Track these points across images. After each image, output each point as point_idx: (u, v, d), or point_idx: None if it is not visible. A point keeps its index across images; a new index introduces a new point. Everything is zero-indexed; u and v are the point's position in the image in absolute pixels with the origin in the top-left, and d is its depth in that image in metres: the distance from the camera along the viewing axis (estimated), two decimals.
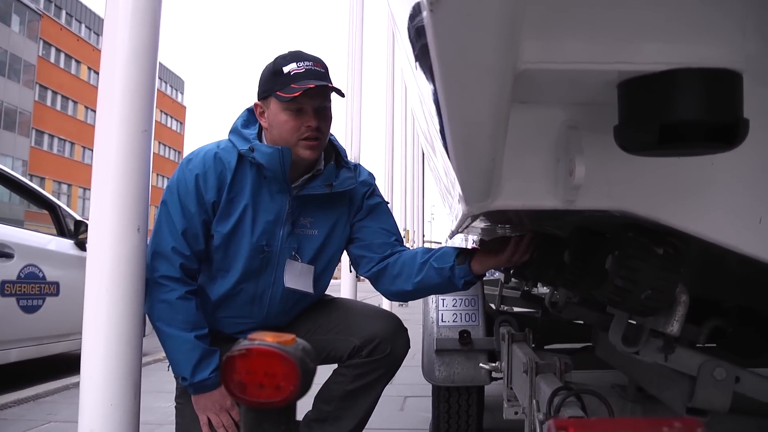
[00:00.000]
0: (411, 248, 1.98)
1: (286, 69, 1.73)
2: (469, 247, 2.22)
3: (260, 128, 1.84)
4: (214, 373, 1.77)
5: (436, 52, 0.63)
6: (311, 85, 1.67)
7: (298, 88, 1.67)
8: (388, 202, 2.06)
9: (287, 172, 1.76)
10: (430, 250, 1.88)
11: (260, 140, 1.81)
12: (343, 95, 1.78)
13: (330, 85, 1.71)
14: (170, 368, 1.93)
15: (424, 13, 0.59)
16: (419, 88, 1.07)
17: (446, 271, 1.76)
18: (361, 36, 7.56)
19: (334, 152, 1.90)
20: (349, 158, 1.96)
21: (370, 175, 2.06)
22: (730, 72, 0.72)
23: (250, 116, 1.87)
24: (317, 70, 1.73)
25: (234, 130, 1.84)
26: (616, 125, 0.78)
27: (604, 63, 0.73)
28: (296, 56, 1.76)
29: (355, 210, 1.95)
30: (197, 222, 1.77)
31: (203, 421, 1.80)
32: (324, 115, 1.76)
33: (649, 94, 0.73)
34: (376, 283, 1.95)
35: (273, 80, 1.75)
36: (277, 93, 1.72)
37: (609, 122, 0.81)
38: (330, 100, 1.78)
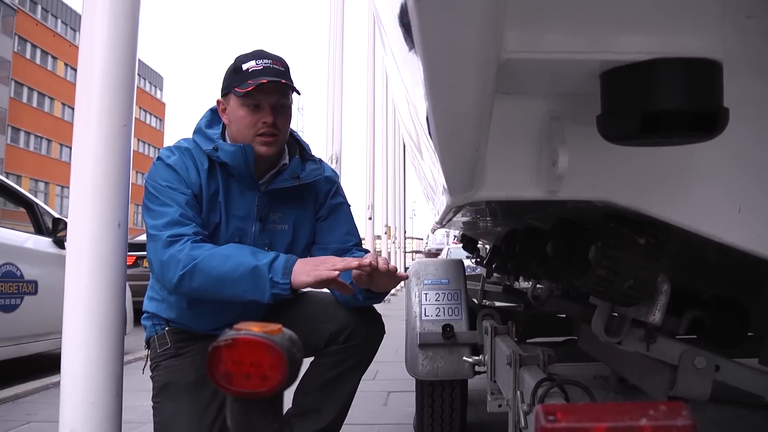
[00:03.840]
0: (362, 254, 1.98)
1: (245, 66, 1.76)
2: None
3: (224, 127, 1.85)
4: (277, 254, 1.67)
5: (421, 42, 0.63)
6: (264, 80, 1.70)
7: (253, 83, 1.70)
8: (350, 204, 2.07)
9: (252, 168, 1.77)
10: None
11: (224, 139, 1.83)
12: (299, 93, 1.80)
13: (283, 81, 1.73)
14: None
15: (410, 3, 0.59)
16: (403, 80, 1.07)
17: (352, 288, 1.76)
18: (342, 33, 7.55)
19: (298, 147, 1.93)
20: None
21: (334, 172, 2.09)
22: (709, 61, 0.73)
23: (214, 116, 1.90)
24: (275, 68, 1.75)
25: (198, 131, 1.85)
26: (599, 115, 0.78)
27: (587, 53, 0.74)
28: (257, 54, 1.79)
29: (318, 206, 1.97)
30: (193, 198, 1.75)
31: (321, 277, 1.60)
32: (281, 112, 1.78)
33: (630, 83, 0.74)
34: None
35: (232, 77, 1.78)
36: (235, 89, 1.74)
37: (591, 113, 0.81)
38: (289, 98, 1.80)
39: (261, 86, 1.70)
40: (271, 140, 1.76)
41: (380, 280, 1.72)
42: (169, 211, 1.70)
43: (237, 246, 1.71)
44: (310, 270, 1.62)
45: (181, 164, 1.77)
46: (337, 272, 1.61)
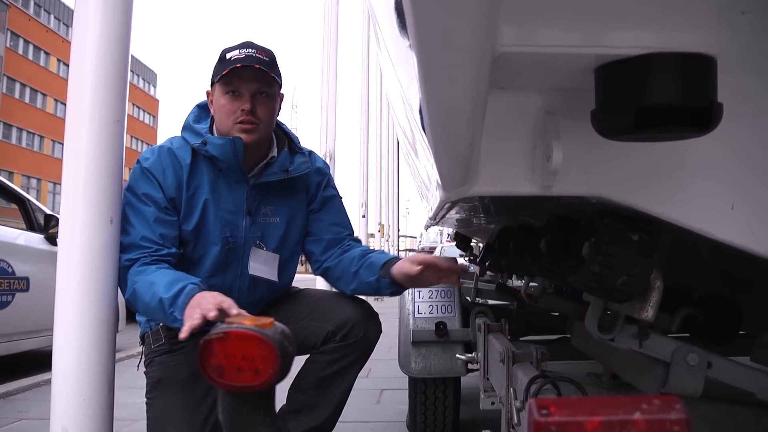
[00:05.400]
0: (357, 245, 2.00)
1: (228, 55, 1.76)
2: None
3: (212, 122, 1.85)
4: (185, 285, 1.58)
5: (416, 35, 0.62)
6: (238, 65, 1.70)
7: (230, 68, 1.71)
8: (342, 197, 2.08)
9: (241, 161, 1.77)
10: (365, 254, 1.91)
11: (212, 133, 1.83)
12: (280, 82, 1.80)
13: (256, 66, 1.71)
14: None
15: None
16: (398, 77, 1.07)
17: (373, 283, 1.84)
18: (336, 30, 7.53)
19: (287, 139, 1.93)
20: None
21: (325, 164, 2.09)
22: (704, 56, 0.73)
23: (201, 112, 1.90)
24: (258, 57, 1.75)
25: (186, 127, 1.86)
26: (593, 110, 0.78)
27: (581, 47, 0.74)
28: (243, 45, 1.79)
29: (310, 198, 1.98)
30: (165, 209, 1.75)
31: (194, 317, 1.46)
32: (262, 101, 1.77)
33: (625, 78, 0.74)
34: (325, 278, 2.02)
35: (217, 66, 1.78)
36: (217, 76, 1.75)
37: (586, 108, 0.81)
38: (272, 88, 1.79)
39: (240, 73, 1.70)
40: (250, 127, 1.75)
41: (426, 276, 1.77)
42: (132, 231, 1.71)
43: (166, 272, 1.64)
44: (190, 313, 1.50)
45: (158, 167, 1.77)
46: (197, 322, 1.45)
